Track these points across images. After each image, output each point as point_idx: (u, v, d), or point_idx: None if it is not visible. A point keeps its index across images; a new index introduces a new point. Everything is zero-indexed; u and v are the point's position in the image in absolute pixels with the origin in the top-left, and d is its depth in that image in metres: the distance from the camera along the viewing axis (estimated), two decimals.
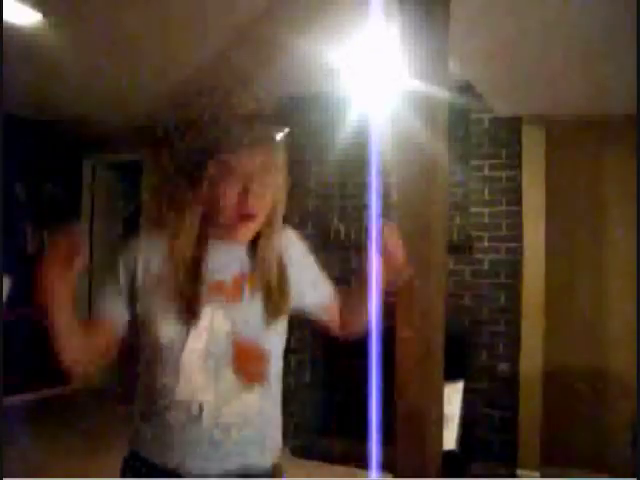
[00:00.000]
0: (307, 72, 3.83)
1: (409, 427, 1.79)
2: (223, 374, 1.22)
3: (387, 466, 1.95)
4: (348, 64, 3.51)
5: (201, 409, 1.20)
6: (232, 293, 1.24)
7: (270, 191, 1.22)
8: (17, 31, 3.15)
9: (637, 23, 2.32)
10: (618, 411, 3.68)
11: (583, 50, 2.85)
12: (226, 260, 1.26)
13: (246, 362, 1.24)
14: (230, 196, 1.18)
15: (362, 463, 3.49)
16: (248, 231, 1.23)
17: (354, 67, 3.54)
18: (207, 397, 1.20)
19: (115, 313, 1.25)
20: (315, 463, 3.94)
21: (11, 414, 4.66)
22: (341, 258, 4.28)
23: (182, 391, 1.20)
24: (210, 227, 1.23)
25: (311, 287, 1.38)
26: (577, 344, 3.83)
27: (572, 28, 2.60)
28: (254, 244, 1.28)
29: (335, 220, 4.41)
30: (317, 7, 2.83)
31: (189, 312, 1.19)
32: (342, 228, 4.26)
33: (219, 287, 1.23)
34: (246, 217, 1.20)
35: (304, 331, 4.33)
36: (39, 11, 2.97)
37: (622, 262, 3.74)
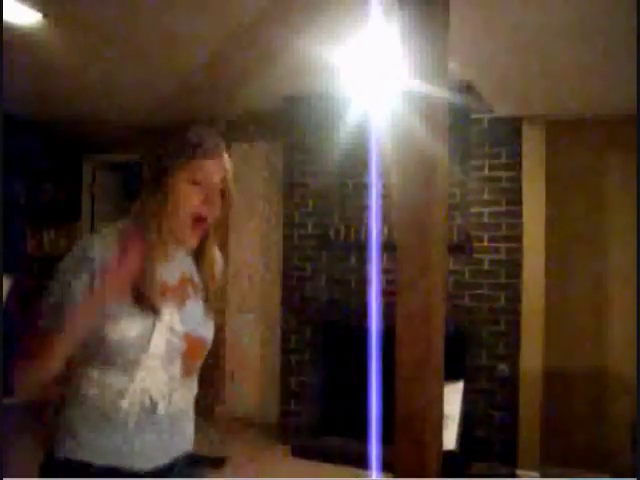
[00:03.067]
0: (307, 72, 3.83)
1: (409, 427, 1.78)
2: (173, 367, 1.32)
3: (387, 466, 1.96)
4: (348, 64, 3.51)
5: (152, 401, 1.29)
6: (178, 293, 1.35)
7: (220, 200, 1.34)
8: (17, 31, 3.16)
9: (637, 23, 2.32)
10: (618, 411, 3.68)
11: (583, 50, 2.85)
12: (173, 264, 1.36)
13: (193, 355, 1.36)
14: (192, 201, 1.30)
15: (362, 463, 3.50)
16: (197, 235, 1.34)
17: (354, 67, 3.54)
18: (160, 390, 1.30)
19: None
20: (315, 463, 3.94)
21: (11, 414, 4.66)
22: (341, 258, 4.28)
23: (138, 385, 1.27)
24: (165, 231, 1.32)
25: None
26: (577, 344, 3.83)
27: (572, 28, 2.60)
28: (197, 250, 1.40)
29: (335, 220, 4.41)
30: (317, 7, 2.83)
31: (153, 310, 1.28)
32: (342, 228, 4.26)
33: (165, 287, 1.33)
34: (200, 221, 1.32)
35: (304, 331, 4.33)
36: (39, 11, 2.97)
37: (622, 262, 3.75)
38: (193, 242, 1.35)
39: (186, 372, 1.35)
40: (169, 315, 1.31)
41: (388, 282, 3.91)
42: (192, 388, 1.41)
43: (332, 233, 4.28)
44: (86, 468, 1.26)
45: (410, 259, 1.83)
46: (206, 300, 1.40)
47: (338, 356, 4.33)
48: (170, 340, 1.30)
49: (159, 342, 1.28)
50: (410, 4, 1.87)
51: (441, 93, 1.83)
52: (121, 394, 1.26)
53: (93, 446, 1.27)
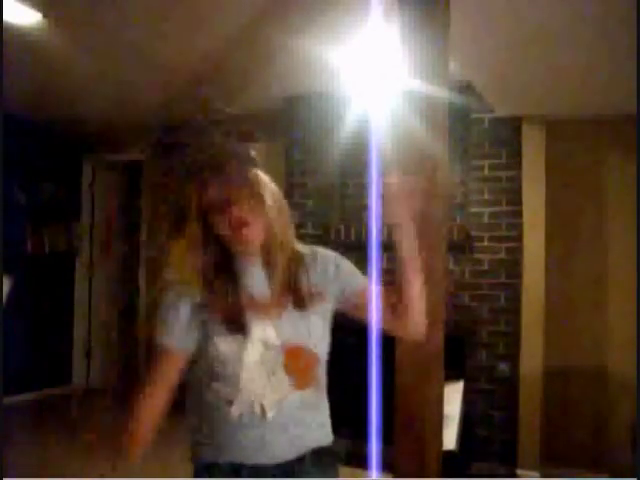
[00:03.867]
0: (307, 72, 3.83)
1: (409, 427, 1.79)
2: (277, 379, 1.33)
3: (387, 466, 1.95)
4: (348, 64, 3.51)
5: (263, 410, 1.32)
6: (271, 306, 1.37)
7: (259, 203, 1.33)
8: (17, 31, 3.16)
9: (637, 23, 2.32)
10: (618, 411, 3.68)
11: (583, 50, 2.85)
12: (258, 277, 1.38)
13: (297, 367, 1.36)
14: (219, 215, 1.31)
15: (362, 463, 3.49)
16: (250, 237, 1.32)
17: (354, 67, 3.55)
18: (266, 400, 1.32)
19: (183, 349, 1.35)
20: None
21: (11, 414, 4.66)
22: None
23: (244, 397, 1.32)
24: (226, 245, 1.35)
25: (349, 278, 1.48)
26: (577, 344, 3.83)
27: (572, 28, 2.60)
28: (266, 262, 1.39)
29: (335, 220, 4.41)
30: (317, 7, 2.83)
31: (240, 327, 1.32)
32: (342, 228, 4.26)
33: (260, 304, 1.36)
34: (240, 225, 1.30)
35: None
36: (39, 11, 2.97)
37: (622, 261, 3.75)
38: (241, 247, 1.35)
39: (299, 384, 1.35)
40: (262, 330, 1.33)
41: (388, 282, 3.91)
42: (314, 400, 1.40)
43: (332, 233, 4.28)
44: (213, 467, 1.35)
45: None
46: (300, 306, 1.39)
47: (338, 356, 4.33)
48: (264, 354, 1.33)
49: (252, 357, 1.32)
50: (410, 4, 1.87)
51: (441, 93, 1.83)
52: (230, 402, 1.32)
53: (215, 445, 1.35)
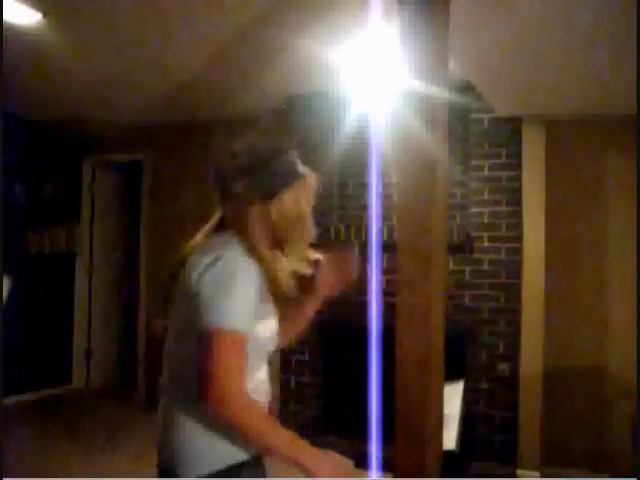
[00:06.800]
0: (307, 72, 3.83)
1: (409, 427, 1.78)
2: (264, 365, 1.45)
3: (387, 466, 1.96)
4: (348, 64, 3.51)
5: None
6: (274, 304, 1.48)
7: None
8: (17, 31, 3.16)
9: (637, 23, 2.32)
10: (618, 411, 3.68)
11: (583, 50, 2.85)
12: None
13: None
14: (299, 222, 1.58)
15: (362, 463, 3.49)
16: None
17: (354, 67, 3.54)
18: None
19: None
20: None
21: (11, 414, 4.66)
22: None
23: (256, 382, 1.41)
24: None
25: None
26: (577, 343, 3.83)
27: (572, 28, 2.60)
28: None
29: (335, 220, 4.41)
30: (317, 7, 2.83)
31: (270, 310, 1.42)
32: (342, 228, 4.26)
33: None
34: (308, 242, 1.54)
35: (304, 331, 4.33)
36: (39, 11, 2.97)
37: (622, 261, 3.74)
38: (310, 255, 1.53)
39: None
40: (274, 318, 1.44)
41: (388, 282, 3.91)
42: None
43: (332, 233, 4.28)
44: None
45: (410, 259, 1.83)
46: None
47: (338, 356, 4.33)
48: (274, 339, 1.44)
49: (272, 344, 1.45)
50: (410, 4, 1.87)
51: (441, 93, 1.83)
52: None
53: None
